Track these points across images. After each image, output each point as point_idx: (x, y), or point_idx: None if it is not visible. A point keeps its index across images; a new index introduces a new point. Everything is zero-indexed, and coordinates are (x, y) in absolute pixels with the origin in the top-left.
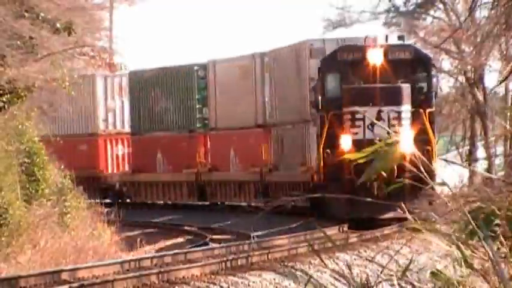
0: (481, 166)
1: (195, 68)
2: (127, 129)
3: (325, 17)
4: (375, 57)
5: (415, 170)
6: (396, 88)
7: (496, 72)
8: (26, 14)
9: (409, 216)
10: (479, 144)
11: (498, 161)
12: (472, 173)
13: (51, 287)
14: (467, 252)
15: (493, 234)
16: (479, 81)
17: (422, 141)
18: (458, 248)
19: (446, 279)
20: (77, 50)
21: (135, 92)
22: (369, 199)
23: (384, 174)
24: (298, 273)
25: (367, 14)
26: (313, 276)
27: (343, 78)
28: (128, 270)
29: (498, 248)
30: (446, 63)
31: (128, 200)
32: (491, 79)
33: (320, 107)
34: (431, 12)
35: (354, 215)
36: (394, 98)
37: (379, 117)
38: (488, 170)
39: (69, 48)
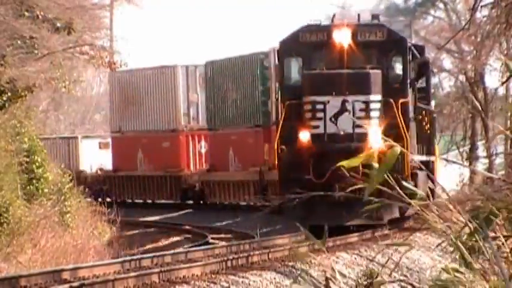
0: (481, 165)
1: (260, 56)
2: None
3: (326, 15)
4: (342, 39)
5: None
6: (364, 74)
7: (496, 72)
8: (26, 13)
9: (382, 222)
10: (480, 144)
11: (499, 160)
12: (473, 172)
13: (51, 286)
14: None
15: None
16: (479, 80)
17: (391, 136)
18: (458, 248)
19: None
20: (77, 49)
21: (209, 84)
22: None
23: (347, 174)
24: (299, 272)
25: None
26: (313, 275)
27: (305, 63)
28: (128, 269)
29: (499, 248)
30: (447, 62)
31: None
32: (491, 78)
33: (277, 97)
34: (432, 11)
35: (311, 222)
36: (362, 86)
37: (343, 108)
38: (489, 169)
39: (69, 47)
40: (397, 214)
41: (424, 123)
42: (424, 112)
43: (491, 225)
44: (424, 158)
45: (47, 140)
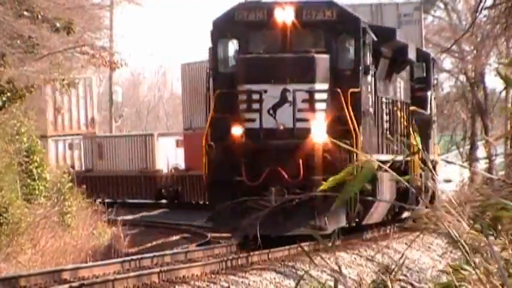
0: (481, 166)
1: None
2: None
3: None
4: (285, 18)
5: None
6: (308, 59)
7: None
8: (26, 13)
9: (319, 233)
10: (480, 144)
11: (498, 160)
12: (473, 173)
13: (51, 286)
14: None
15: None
16: (479, 80)
17: (340, 132)
18: (463, 247)
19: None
20: (77, 49)
21: (185, 85)
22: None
23: (286, 177)
24: (299, 272)
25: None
26: (313, 275)
27: (242, 46)
28: (128, 269)
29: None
30: (447, 62)
31: None
32: (491, 78)
33: (207, 86)
34: (432, 11)
35: (244, 231)
36: (305, 73)
37: (283, 99)
38: (489, 169)
39: (69, 47)
40: (343, 223)
41: (401, 118)
42: (402, 106)
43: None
44: (388, 157)
45: (123, 137)
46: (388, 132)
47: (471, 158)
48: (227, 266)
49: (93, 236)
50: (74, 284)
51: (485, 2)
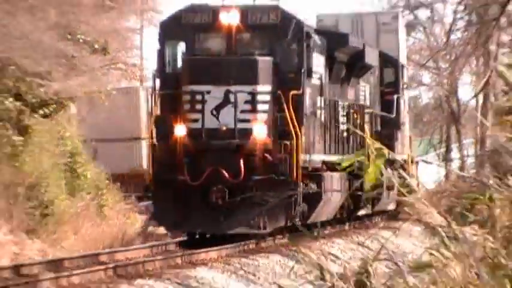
0: (455, 165)
1: None
2: None
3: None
4: (230, 21)
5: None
6: (251, 62)
7: (468, 86)
8: (69, 37)
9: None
10: (454, 146)
11: (470, 161)
12: (448, 171)
13: (90, 267)
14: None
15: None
16: (453, 93)
17: (281, 133)
18: (439, 234)
19: (429, 260)
20: (112, 66)
21: None
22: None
23: (227, 176)
24: (300, 255)
25: None
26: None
27: (188, 48)
28: (156, 253)
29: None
30: (426, 77)
31: None
32: (463, 91)
33: (153, 86)
34: (413, 34)
35: (186, 229)
36: (248, 75)
37: (226, 100)
38: (461, 168)
39: (105, 65)
40: (282, 223)
41: (357, 120)
42: (358, 110)
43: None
44: (336, 157)
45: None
46: (345, 135)
47: (446, 159)
48: (239, 250)
49: (126, 225)
50: (109, 266)
51: (456, 25)
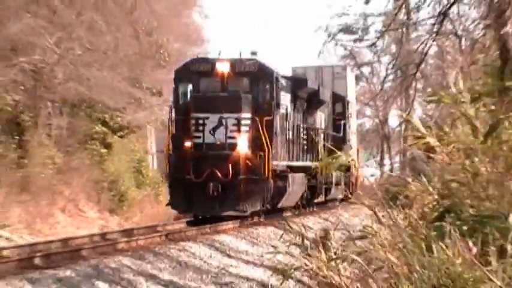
0: (386, 168)
1: None
2: None
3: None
4: (223, 69)
5: (251, 172)
6: (237, 97)
7: (395, 117)
8: (137, 85)
9: (246, 214)
10: (386, 156)
11: (396, 165)
12: (382, 172)
13: (150, 234)
14: (380, 215)
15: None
16: (385, 121)
17: (258, 146)
18: (375, 213)
19: (369, 230)
20: (164, 104)
21: None
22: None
23: (220, 176)
24: (287, 227)
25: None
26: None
27: (194, 88)
28: (193, 225)
29: (399, 213)
30: (368, 111)
31: None
32: (392, 120)
33: (170, 114)
34: (360, 82)
35: (192, 212)
36: (235, 106)
37: (220, 123)
38: (391, 170)
39: (160, 103)
40: (258, 207)
41: (310, 137)
42: (314, 131)
43: (397, 202)
44: (298, 163)
45: None
46: (305, 148)
47: (381, 164)
48: (246, 224)
49: None
50: (162, 233)
51: (387, 77)
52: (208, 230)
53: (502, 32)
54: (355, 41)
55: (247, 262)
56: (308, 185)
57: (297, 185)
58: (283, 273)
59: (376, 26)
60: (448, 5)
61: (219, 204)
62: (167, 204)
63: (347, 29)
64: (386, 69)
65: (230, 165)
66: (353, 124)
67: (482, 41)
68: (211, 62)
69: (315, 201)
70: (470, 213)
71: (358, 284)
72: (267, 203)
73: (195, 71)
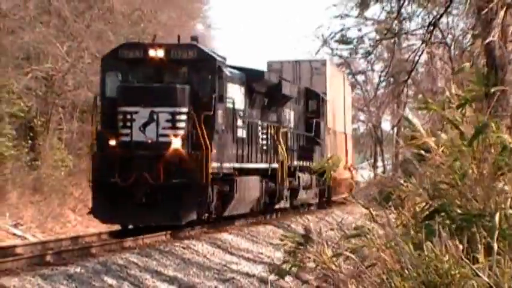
0: (379, 170)
1: None
2: None
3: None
4: (156, 56)
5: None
6: (171, 89)
7: (387, 122)
8: None
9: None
10: (379, 158)
11: (388, 167)
12: (375, 173)
13: (156, 233)
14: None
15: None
16: (378, 126)
17: (195, 146)
18: (370, 212)
19: (362, 229)
20: None
21: None
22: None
23: (150, 179)
24: (285, 225)
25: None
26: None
27: (124, 78)
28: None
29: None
30: (362, 116)
31: None
32: (385, 125)
33: (96, 107)
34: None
35: (118, 222)
36: (169, 99)
37: (151, 119)
38: (383, 171)
39: None
40: (194, 217)
41: (269, 136)
42: (273, 128)
43: (389, 201)
44: (250, 165)
45: None
46: (264, 147)
47: (374, 166)
48: (249, 222)
49: None
50: (168, 232)
51: (380, 84)
52: (211, 230)
53: (488, 41)
54: (350, 53)
55: (247, 259)
56: (266, 190)
57: (247, 190)
58: (280, 273)
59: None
60: (438, 16)
61: (148, 213)
62: (88, 213)
63: (342, 40)
64: (380, 77)
65: (162, 167)
66: (343, 120)
67: (470, 49)
68: (142, 48)
69: (276, 207)
70: (459, 212)
71: (353, 279)
72: (205, 211)
73: (125, 58)
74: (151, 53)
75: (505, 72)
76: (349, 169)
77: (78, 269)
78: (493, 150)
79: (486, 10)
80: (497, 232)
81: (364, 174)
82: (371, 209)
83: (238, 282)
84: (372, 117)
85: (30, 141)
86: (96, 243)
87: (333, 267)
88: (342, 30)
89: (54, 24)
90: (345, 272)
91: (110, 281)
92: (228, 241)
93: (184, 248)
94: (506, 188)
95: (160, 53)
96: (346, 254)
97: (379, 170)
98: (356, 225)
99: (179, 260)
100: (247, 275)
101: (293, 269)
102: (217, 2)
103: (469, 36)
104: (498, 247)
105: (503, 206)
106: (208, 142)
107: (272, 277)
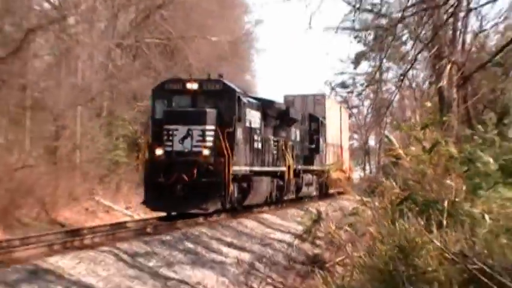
0: (367, 171)
1: None
2: None
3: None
4: (192, 88)
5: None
6: (202, 112)
7: (373, 140)
8: None
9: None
10: (367, 164)
11: (374, 170)
12: (364, 174)
13: (219, 213)
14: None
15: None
16: (367, 142)
17: (220, 154)
18: (362, 199)
19: (356, 210)
20: None
21: None
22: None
23: (186, 179)
24: (305, 209)
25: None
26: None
27: (168, 104)
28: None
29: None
30: (356, 136)
31: None
32: (371, 142)
33: (148, 127)
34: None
35: (164, 211)
36: (200, 120)
37: (188, 134)
38: (370, 172)
39: None
40: (218, 206)
41: (279, 148)
42: (282, 142)
43: (374, 192)
44: (263, 168)
45: None
46: (275, 156)
47: (364, 168)
48: (278, 207)
49: None
50: (228, 213)
51: (368, 115)
52: (236, 216)
53: (439, 86)
54: (348, 92)
55: (280, 231)
56: (276, 186)
57: (261, 186)
58: (302, 239)
59: (361, 81)
60: (407, 69)
61: (185, 203)
62: (142, 203)
63: (342, 85)
64: (367, 110)
65: (195, 170)
66: (339, 137)
67: (428, 92)
68: (182, 82)
69: (285, 198)
70: (421, 200)
71: (350, 244)
72: (227, 202)
73: (169, 89)
74: (188, 85)
75: (451, 106)
76: (344, 171)
77: (168, 237)
78: (443, 159)
79: (438, 66)
80: (446, 213)
81: (356, 175)
82: (362, 197)
83: (274, 245)
84: (362, 136)
85: (136, 153)
86: (180, 220)
87: (336, 236)
88: (342, 82)
89: (152, 75)
90: (344, 239)
91: (189, 244)
92: (266, 219)
93: (238, 224)
94: (452, 184)
95: (194, 86)
96: (345, 228)
97: (367, 172)
98: (352, 208)
99: (235, 231)
100: (279, 241)
101: (310, 237)
102: (259, 58)
103: (427, 82)
104: (446, 223)
105: (450, 196)
106: (229, 151)
107: (296, 242)
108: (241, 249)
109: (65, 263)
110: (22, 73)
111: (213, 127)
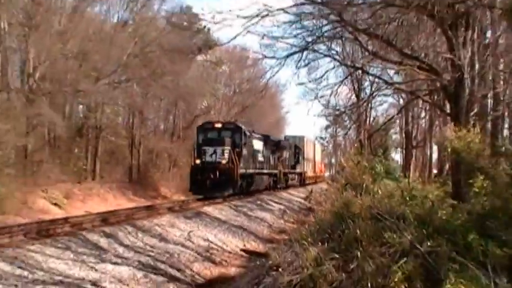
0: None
1: None
2: None
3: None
4: (217, 127)
5: (227, 175)
6: (223, 139)
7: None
8: None
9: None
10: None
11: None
12: (330, 173)
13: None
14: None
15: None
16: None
17: (232, 163)
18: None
19: (327, 189)
20: None
21: None
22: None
23: (212, 177)
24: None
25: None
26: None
27: (205, 135)
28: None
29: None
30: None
31: None
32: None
33: (194, 148)
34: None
35: (203, 195)
36: (222, 144)
37: (214, 152)
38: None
39: None
40: (230, 192)
41: (275, 161)
42: (277, 158)
43: (334, 181)
44: (262, 171)
45: None
46: (272, 165)
47: (330, 171)
48: (269, 192)
49: None
50: (271, 190)
51: (358, 139)
52: (247, 196)
53: (359, 139)
54: (324, 138)
55: (289, 200)
56: (272, 180)
57: (260, 181)
58: (305, 199)
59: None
60: (346, 132)
61: (212, 191)
62: (189, 190)
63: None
64: (331, 147)
65: (218, 172)
66: (313, 156)
67: (355, 141)
68: (213, 123)
69: (278, 186)
70: (355, 184)
71: (324, 202)
72: (236, 190)
73: (205, 127)
74: (216, 125)
75: (364, 147)
76: (319, 171)
77: (189, 214)
78: (362, 167)
79: (359, 130)
80: (363, 189)
81: (326, 174)
82: (329, 183)
83: (287, 209)
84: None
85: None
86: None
87: (318, 199)
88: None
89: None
90: (321, 200)
91: (258, 202)
92: (282, 194)
93: (258, 200)
94: (365, 177)
95: (219, 125)
96: (322, 195)
97: (332, 172)
98: (325, 188)
99: (256, 204)
100: (289, 207)
101: (308, 199)
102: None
103: (355, 137)
104: (369, 193)
105: (365, 182)
106: (237, 161)
107: (302, 201)
108: (279, 203)
109: (207, 209)
110: None
111: (229, 148)
